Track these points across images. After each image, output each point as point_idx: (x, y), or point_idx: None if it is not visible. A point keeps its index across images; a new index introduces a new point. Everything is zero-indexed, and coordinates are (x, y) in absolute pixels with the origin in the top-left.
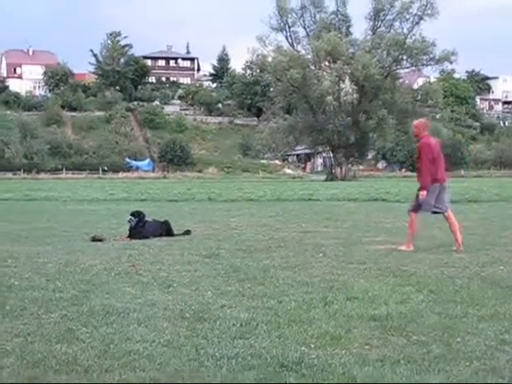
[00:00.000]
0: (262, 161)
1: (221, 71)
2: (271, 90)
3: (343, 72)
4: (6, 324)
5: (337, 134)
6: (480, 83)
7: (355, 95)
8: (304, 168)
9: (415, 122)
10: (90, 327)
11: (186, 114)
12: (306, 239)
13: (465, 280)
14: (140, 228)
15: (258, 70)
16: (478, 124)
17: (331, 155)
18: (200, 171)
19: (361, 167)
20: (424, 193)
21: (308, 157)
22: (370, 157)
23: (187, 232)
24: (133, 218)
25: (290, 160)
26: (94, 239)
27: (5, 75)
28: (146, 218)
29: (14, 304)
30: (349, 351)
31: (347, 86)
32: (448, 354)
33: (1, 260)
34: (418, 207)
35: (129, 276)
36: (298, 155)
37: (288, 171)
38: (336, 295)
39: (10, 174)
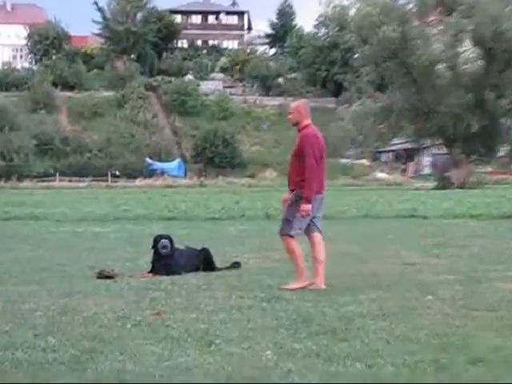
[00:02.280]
0: (343, 160)
1: (282, 31)
2: (355, 56)
3: (462, 29)
4: None
5: (452, 120)
6: None
7: (480, 63)
8: (404, 170)
9: (294, 104)
10: None
11: (231, 94)
12: (408, 274)
13: None
14: (168, 259)
15: (336, 29)
16: None
17: (444, 151)
18: (252, 176)
19: (489, 169)
20: (308, 207)
21: (409, 154)
22: (502, 153)
23: (235, 265)
24: (167, 243)
25: (382, 159)
26: (102, 276)
27: None
28: (177, 245)
29: None
30: None
31: (468, 48)
32: None
33: None
34: (289, 226)
35: (152, 328)
36: (394, 152)
37: (380, 175)
38: (453, 356)
39: None
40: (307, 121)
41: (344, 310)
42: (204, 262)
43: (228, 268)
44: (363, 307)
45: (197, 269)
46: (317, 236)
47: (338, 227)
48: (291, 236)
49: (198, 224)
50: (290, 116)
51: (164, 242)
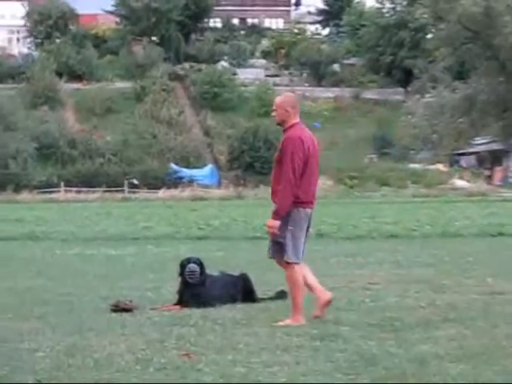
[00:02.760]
0: (413, 165)
1: (337, 6)
2: (428, 37)
3: None
4: None
5: None
6: None
7: None
8: (489, 177)
9: (279, 99)
10: None
11: (275, 84)
12: (496, 306)
13: None
14: (198, 288)
15: (404, 3)
16: None
17: None
18: None
19: None
20: (274, 223)
21: (496, 157)
22: None
23: (281, 294)
24: (196, 268)
25: (463, 163)
26: (117, 308)
27: None
28: (209, 271)
29: None
30: None
31: None
32: None
33: None
34: (281, 250)
35: (180, 373)
36: (477, 154)
37: (460, 183)
38: None
39: None
40: (295, 119)
41: (416, 350)
42: (243, 290)
43: (272, 298)
44: (439, 346)
45: (234, 299)
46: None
47: (406, 248)
48: (296, 263)
49: (234, 244)
50: (273, 114)
51: (192, 266)
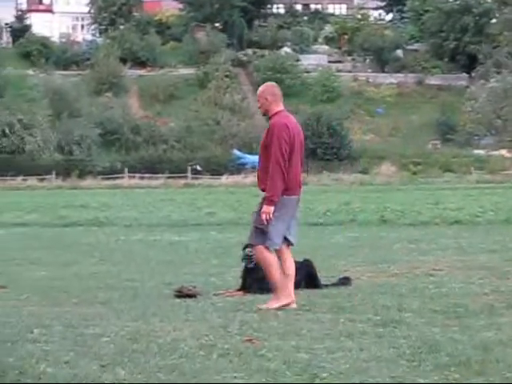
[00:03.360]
0: (477, 151)
1: None
2: (493, 21)
3: None
4: None
5: None
6: None
7: None
8: None
9: (260, 88)
10: None
11: (338, 70)
12: None
13: None
14: (261, 273)
15: None
16: None
17: None
18: (365, 171)
19: None
20: (269, 209)
21: None
22: None
23: (344, 281)
24: (252, 252)
25: None
26: (181, 294)
27: (24, 7)
28: None
29: None
30: None
31: None
32: None
33: (22, 330)
34: (262, 236)
35: (243, 358)
36: None
37: None
38: None
39: (33, 180)
40: (278, 107)
41: (480, 337)
42: (306, 277)
43: (335, 285)
44: (503, 333)
45: (297, 285)
46: (285, 252)
47: (470, 234)
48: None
49: (298, 230)
50: (258, 105)
51: (248, 251)
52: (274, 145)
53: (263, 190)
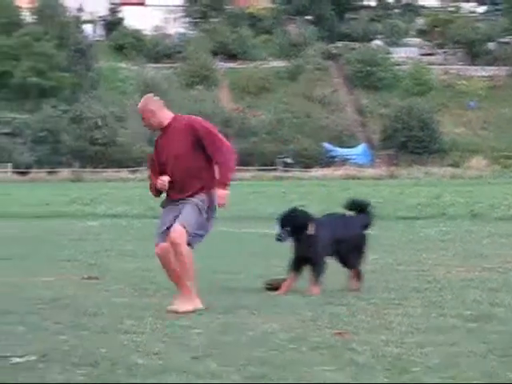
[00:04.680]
0: None
1: None
2: None
3: None
4: None
5: None
6: None
7: None
8: None
9: (141, 104)
10: None
11: (430, 63)
12: None
13: None
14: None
15: None
16: None
17: None
18: (456, 165)
19: None
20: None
21: None
22: None
23: None
24: (283, 234)
25: None
26: (272, 287)
27: (118, 1)
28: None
29: None
30: None
31: None
32: None
33: (114, 320)
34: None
35: (332, 352)
36: None
37: None
38: None
39: (125, 172)
40: (168, 112)
41: None
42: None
43: None
44: None
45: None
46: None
47: None
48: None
49: (387, 224)
50: (144, 123)
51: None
52: (214, 134)
53: (181, 199)
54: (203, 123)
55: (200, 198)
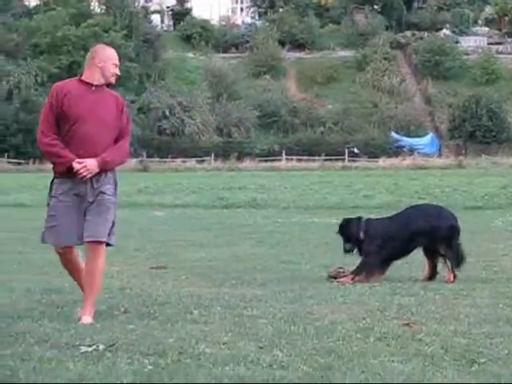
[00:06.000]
0: None
1: None
2: None
3: None
4: None
5: None
6: None
7: None
8: None
9: (115, 53)
10: None
11: (498, 52)
12: None
13: None
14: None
15: None
16: None
17: None
18: None
19: None
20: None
21: None
22: None
23: None
24: (348, 244)
25: None
26: (334, 277)
27: None
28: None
29: None
30: None
31: None
32: None
33: (182, 310)
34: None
35: (400, 342)
36: None
37: None
38: None
39: (193, 162)
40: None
41: None
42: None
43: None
44: None
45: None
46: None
47: None
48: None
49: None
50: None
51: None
52: (128, 120)
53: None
54: (123, 104)
55: None
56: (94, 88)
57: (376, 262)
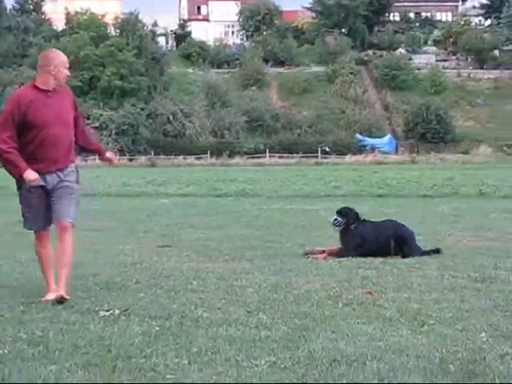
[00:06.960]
0: None
1: (497, 2)
2: None
3: None
4: (192, 373)
5: None
6: None
7: None
8: None
9: (65, 57)
10: (310, 381)
11: (444, 68)
12: None
13: None
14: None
15: None
16: None
17: None
18: (466, 152)
19: None
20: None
21: None
22: None
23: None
24: (339, 220)
25: None
26: (308, 253)
27: (185, 17)
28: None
29: (203, 344)
30: None
31: None
32: None
33: (183, 281)
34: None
35: (363, 307)
36: None
37: None
38: None
39: (192, 159)
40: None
41: None
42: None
43: (430, 252)
44: None
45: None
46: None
47: None
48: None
49: (409, 202)
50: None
51: (334, 217)
52: (76, 104)
53: (59, 170)
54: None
55: None
56: (49, 93)
57: (351, 255)
